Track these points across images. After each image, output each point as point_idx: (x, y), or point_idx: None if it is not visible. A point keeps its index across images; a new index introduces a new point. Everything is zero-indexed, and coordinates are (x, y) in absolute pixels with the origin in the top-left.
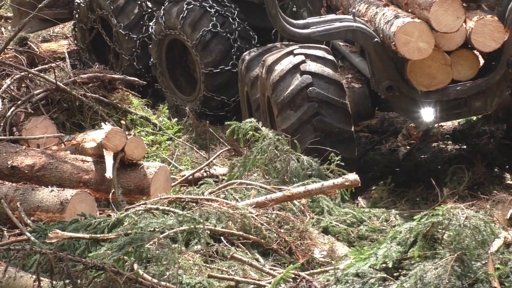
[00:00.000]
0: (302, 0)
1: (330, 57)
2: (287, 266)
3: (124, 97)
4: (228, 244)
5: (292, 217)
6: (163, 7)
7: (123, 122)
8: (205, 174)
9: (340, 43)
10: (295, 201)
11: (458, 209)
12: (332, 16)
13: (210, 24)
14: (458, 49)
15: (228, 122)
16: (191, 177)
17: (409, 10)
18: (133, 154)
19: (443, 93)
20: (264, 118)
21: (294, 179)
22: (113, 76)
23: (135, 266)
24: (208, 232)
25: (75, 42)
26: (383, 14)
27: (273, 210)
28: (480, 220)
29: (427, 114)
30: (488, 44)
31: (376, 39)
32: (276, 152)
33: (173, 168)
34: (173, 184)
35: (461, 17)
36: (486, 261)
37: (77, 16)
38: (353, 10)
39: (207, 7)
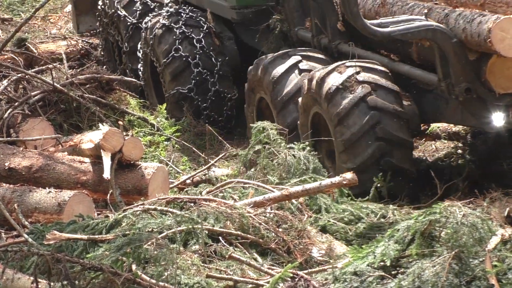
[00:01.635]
0: (297, 18)
1: (383, 68)
2: (286, 265)
3: (121, 98)
4: (226, 244)
5: (290, 216)
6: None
7: (120, 122)
8: (203, 178)
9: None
10: (293, 200)
11: (455, 207)
12: (405, 16)
13: (173, 48)
14: None
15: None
16: (189, 181)
17: (486, 11)
18: (131, 155)
19: None
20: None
21: (291, 175)
22: (111, 76)
23: (133, 266)
24: (206, 232)
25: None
26: (459, 14)
27: (271, 210)
28: (477, 217)
29: (498, 118)
30: None
31: (455, 39)
32: (273, 149)
33: (171, 169)
34: (171, 186)
35: None
36: (483, 258)
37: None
38: (424, 11)
39: (175, 28)
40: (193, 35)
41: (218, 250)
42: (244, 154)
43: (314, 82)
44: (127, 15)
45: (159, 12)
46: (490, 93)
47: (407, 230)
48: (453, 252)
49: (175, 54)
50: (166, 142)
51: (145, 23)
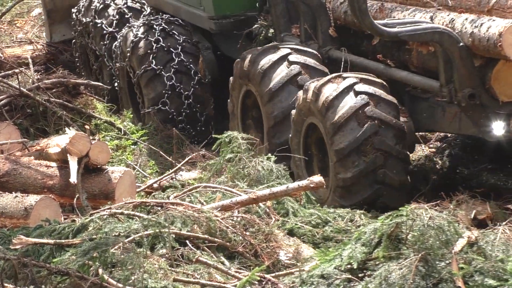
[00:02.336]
0: (284, 24)
1: (380, 80)
2: (253, 268)
3: (88, 102)
4: (194, 247)
5: (257, 220)
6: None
7: (87, 127)
8: (171, 181)
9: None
10: (260, 204)
11: (422, 210)
12: (411, 19)
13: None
14: None
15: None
16: (156, 184)
17: (494, 16)
18: (98, 159)
19: None
20: (297, 144)
21: (261, 183)
22: (77, 81)
23: (100, 271)
24: (173, 236)
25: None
26: (466, 19)
27: (239, 213)
28: (444, 220)
29: (499, 127)
30: None
31: (462, 44)
32: (243, 156)
33: (138, 173)
34: (138, 190)
35: None
36: (450, 260)
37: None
38: (430, 15)
39: (153, 42)
40: (170, 47)
41: (185, 254)
42: (214, 163)
43: (310, 92)
44: (104, 23)
45: (134, 23)
46: (493, 100)
47: (374, 232)
48: (420, 255)
49: (147, 67)
50: (133, 146)
51: (121, 34)
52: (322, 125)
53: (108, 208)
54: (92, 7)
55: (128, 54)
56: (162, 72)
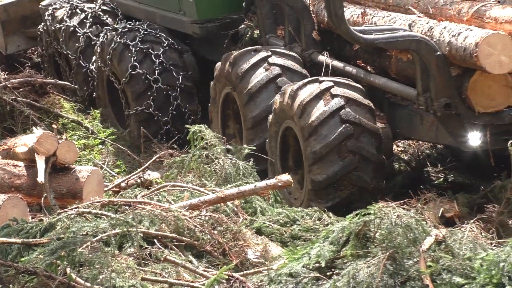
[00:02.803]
0: (269, 26)
1: (357, 84)
2: (221, 267)
3: (55, 101)
4: (162, 246)
5: (225, 219)
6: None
7: (54, 126)
8: (138, 180)
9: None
10: (228, 203)
11: (390, 208)
12: (389, 26)
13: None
14: None
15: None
16: (124, 183)
17: (473, 25)
18: (65, 158)
19: (498, 116)
20: (274, 148)
21: (229, 181)
22: (44, 80)
23: (68, 270)
24: (141, 235)
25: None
26: (444, 28)
27: (207, 212)
28: (411, 218)
29: (475, 137)
30: None
31: (439, 53)
32: (211, 155)
33: (105, 172)
34: (106, 189)
35: None
36: (417, 259)
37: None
38: (409, 22)
39: (130, 45)
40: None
41: (153, 253)
42: (180, 159)
43: (287, 95)
44: (77, 25)
45: (117, 26)
46: (469, 110)
47: (342, 231)
48: (388, 253)
49: (132, 72)
50: (101, 146)
51: (101, 38)
52: (297, 128)
53: (75, 207)
54: (59, 13)
55: (113, 60)
56: (148, 76)
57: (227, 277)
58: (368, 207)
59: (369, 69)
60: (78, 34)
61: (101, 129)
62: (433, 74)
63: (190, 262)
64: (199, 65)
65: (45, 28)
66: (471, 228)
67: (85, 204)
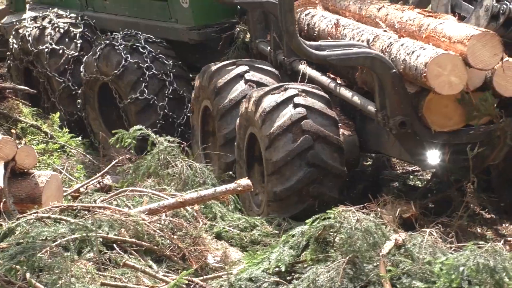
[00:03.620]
0: (259, 31)
1: (323, 93)
2: (181, 272)
3: (14, 106)
4: (121, 251)
5: (185, 224)
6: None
7: (13, 131)
8: (98, 186)
9: (323, 76)
10: (188, 208)
11: (349, 212)
12: (346, 42)
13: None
14: (476, 90)
15: (115, 131)
16: (83, 188)
17: (430, 43)
18: (24, 163)
19: (456, 135)
20: (240, 152)
21: (188, 186)
22: (3, 85)
23: (28, 275)
24: (101, 239)
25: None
26: (402, 45)
27: (166, 217)
28: (371, 222)
29: (433, 156)
30: (510, 88)
31: (394, 70)
32: (169, 159)
33: (65, 177)
34: (65, 194)
35: (499, 54)
36: (377, 263)
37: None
38: (368, 38)
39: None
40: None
41: (113, 258)
42: (138, 166)
43: (251, 101)
44: (65, 48)
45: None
46: (426, 129)
47: (302, 235)
48: (348, 257)
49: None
50: (60, 150)
51: (98, 51)
52: (259, 136)
53: (35, 212)
54: (36, 33)
55: (115, 76)
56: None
57: (187, 281)
58: (327, 211)
59: (339, 81)
60: (70, 57)
61: (60, 133)
62: (388, 91)
63: (150, 267)
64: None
65: (20, 46)
66: (430, 232)
67: (44, 209)
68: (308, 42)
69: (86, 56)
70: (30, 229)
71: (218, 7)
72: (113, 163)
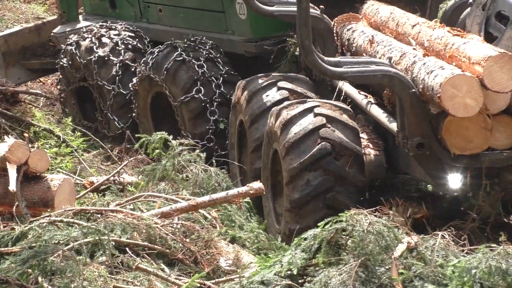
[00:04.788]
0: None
1: (346, 107)
2: (193, 275)
3: (27, 110)
4: (134, 255)
5: (197, 227)
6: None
7: (26, 135)
8: (112, 184)
9: (359, 92)
10: (206, 214)
11: (362, 215)
12: (366, 58)
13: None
14: (499, 114)
15: (139, 135)
16: (97, 185)
17: (453, 64)
18: (37, 167)
19: (476, 159)
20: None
21: (203, 190)
22: (16, 89)
23: (40, 279)
24: (113, 243)
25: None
26: (424, 63)
27: (179, 220)
28: (383, 225)
29: (454, 180)
30: None
31: (413, 90)
32: (184, 163)
33: (77, 181)
34: (78, 196)
35: None
36: (389, 266)
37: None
38: (400, 54)
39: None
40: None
41: (125, 261)
42: (154, 169)
43: (273, 116)
44: (112, 56)
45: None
46: (445, 152)
47: (314, 238)
48: (360, 260)
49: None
50: (72, 154)
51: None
52: (278, 147)
53: (47, 216)
54: (86, 44)
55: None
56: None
57: (198, 285)
58: (340, 214)
59: (371, 99)
60: (110, 62)
61: (73, 137)
62: (407, 111)
63: (162, 270)
64: None
65: (70, 62)
66: (443, 235)
67: (57, 213)
68: (326, 58)
69: (139, 65)
70: (43, 233)
71: (275, 19)
72: (124, 164)
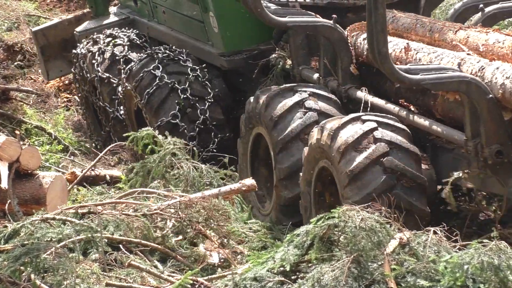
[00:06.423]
0: (302, 57)
1: (402, 125)
2: (186, 272)
3: (18, 108)
4: (127, 251)
5: (189, 222)
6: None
7: (17, 132)
8: (93, 173)
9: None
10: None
11: (354, 211)
12: (436, 65)
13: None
14: None
15: (127, 134)
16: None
17: None
18: (28, 164)
19: None
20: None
21: (194, 187)
22: (6, 86)
23: (32, 276)
24: (106, 240)
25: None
26: (497, 68)
27: (172, 215)
28: (375, 221)
29: None
30: None
31: (491, 95)
32: (174, 160)
33: (69, 177)
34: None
35: None
36: (382, 262)
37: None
38: (458, 61)
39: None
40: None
41: (119, 258)
42: (143, 166)
43: (325, 133)
44: (111, 76)
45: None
46: None
47: (306, 235)
48: (352, 256)
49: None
50: (64, 151)
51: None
52: (335, 173)
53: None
54: (95, 62)
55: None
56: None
57: (191, 281)
58: (332, 210)
59: (412, 109)
60: (110, 82)
61: (64, 135)
62: (484, 118)
63: (155, 267)
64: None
65: (80, 74)
66: (435, 231)
67: (56, 212)
68: (397, 66)
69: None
70: (35, 230)
71: (250, 32)
72: (107, 148)
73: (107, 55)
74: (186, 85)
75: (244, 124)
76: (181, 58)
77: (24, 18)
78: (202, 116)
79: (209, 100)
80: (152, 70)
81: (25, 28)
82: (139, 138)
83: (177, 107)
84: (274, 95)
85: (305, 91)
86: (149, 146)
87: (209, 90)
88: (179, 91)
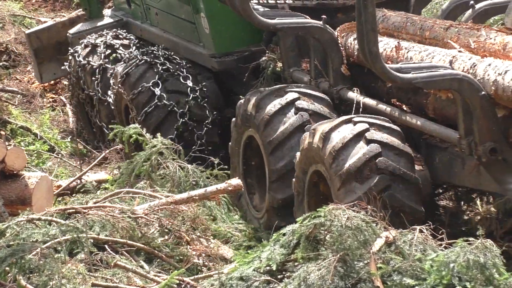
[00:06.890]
0: (293, 59)
1: (395, 126)
2: (172, 272)
3: (3, 108)
4: (113, 252)
5: (175, 222)
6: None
7: (2, 132)
8: (79, 182)
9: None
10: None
11: (340, 210)
12: (428, 63)
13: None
14: None
15: (112, 126)
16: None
17: None
18: (14, 165)
19: None
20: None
21: (180, 186)
22: None
23: (18, 277)
24: (92, 240)
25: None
26: (489, 65)
27: (157, 214)
28: (361, 220)
29: None
30: None
31: (483, 93)
32: (160, 159)
33: (55, 178)
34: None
35: None
36: (368, 260)
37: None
38: (450, 58)
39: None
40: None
41: (104, 259)
42: (129, 166)
43: (317, 136)
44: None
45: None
46: None
47: (293, 234)
48: (338, 255)
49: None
50: (50, 152)
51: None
52: (329, 176)
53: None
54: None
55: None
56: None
57: (177, 281)
58: (318, 209)
59: (404, 108)
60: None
61: (50, 135)
62: (477, 116)
63: (141, 267)
64: (225, 94)
65: (74, 79)
66: (421, 230)
67: (43, 213)
68: (388, 65)
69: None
70: (21, 231)
71: (241, 34)
72: (100, 156)
73: (108, 74)
74: (186, 109)
75: (235, 127)
76: (181, 73)
77: (9, 18)
78: (198, 141)
79: (208, 126)
80: (151, 87)
81: (10, 28)
82: (124, 132)
83: (175, 132)
84: (265, 96)
85: (296, 91)
86: (133, 137)
87: (208, 114)
88: (177, 114)
